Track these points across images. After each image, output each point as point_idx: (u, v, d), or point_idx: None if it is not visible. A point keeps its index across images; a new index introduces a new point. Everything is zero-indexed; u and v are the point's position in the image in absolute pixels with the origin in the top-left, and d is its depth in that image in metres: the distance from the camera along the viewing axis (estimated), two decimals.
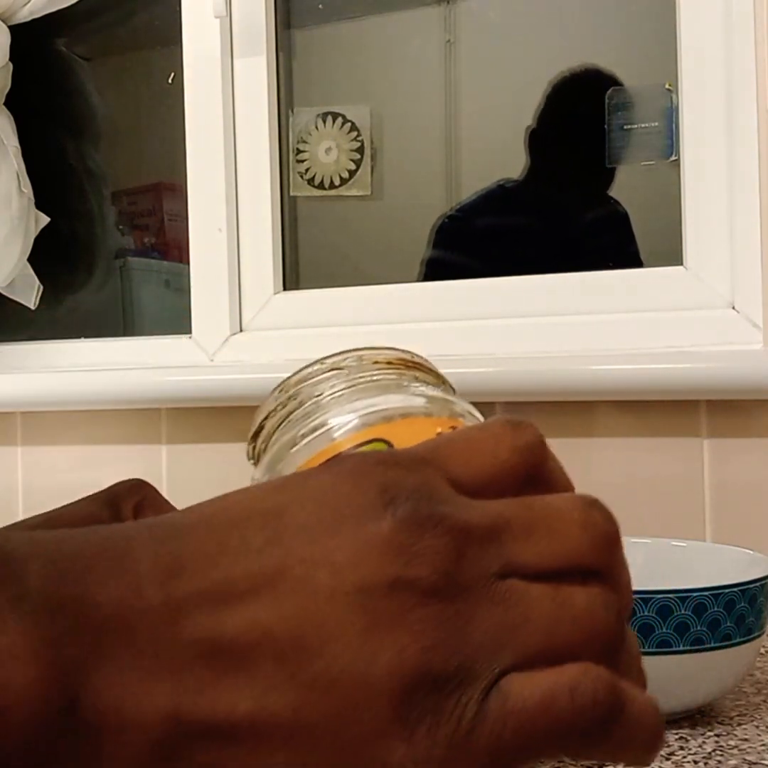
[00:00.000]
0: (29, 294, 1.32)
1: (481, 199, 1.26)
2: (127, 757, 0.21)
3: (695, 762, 0.53)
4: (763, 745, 0.55)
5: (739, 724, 0.59)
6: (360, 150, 1.32)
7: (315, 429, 0.34)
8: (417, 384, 0.35)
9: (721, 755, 0.54)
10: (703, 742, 0.56)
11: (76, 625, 0.21)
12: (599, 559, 0.25)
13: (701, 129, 1.02)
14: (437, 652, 0.22)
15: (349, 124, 1.32)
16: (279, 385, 0.36)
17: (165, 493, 0.44)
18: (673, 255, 1.04)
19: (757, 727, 0.58)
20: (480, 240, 1.26)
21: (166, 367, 1.19)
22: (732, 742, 0.56)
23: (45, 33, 1.37)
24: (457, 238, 1.27)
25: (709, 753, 0.54)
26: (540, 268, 1.10)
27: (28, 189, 1.27)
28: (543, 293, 1.08)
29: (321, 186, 1.32)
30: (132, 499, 0.39)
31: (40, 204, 1.31)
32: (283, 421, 0.35)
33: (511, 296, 1.09)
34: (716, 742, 0.56)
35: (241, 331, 1.21)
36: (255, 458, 0.37)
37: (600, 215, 1.22)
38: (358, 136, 1.32)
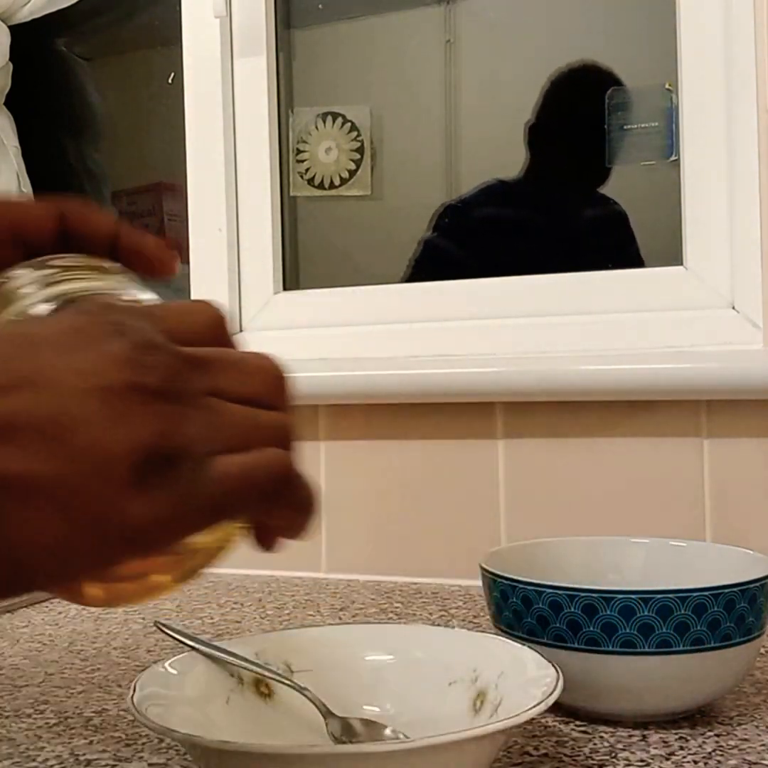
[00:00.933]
0: None
1: (480, 193, 1.27)
2: None
3: (695, 762, 0.53)
4: (763, 745, 0.55)
5: (739, 724, 0.59)
6: (360, 150, 1.32)
7: (19, 315, 0.37)
8: (95, 275, 0.41)
9: (721, 755, 0.54)
10: (703, 742, 0.56)
11: None
12: (274, 395, 0.35)
13: (701, 129, 1.02)
14: (164, 437, 0.30)
15: (349, 124, 1.32)
16: None
17: None
18: (673, 255, 1.04)
19: (757, 727, 0.58)
20: (478, 230, 1.26)
21: None
22: (732, 742, 0.56)
23: (45, 33, 1.37)
24: (456, 225, 1.27)
25: (709, 753, 0.54)
26: (537, 263, 1.10)
27: (28, 189, 1.27)
28: (543, 293, 1.08)
29: (321, 186, 1.32)
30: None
31: None
32: None
33: (511, 296, 1.09)
34: (716, 742, 0.56)
35: (240, 331, 1.21)
36: None
37: (598, 214, 1.22)
38: (358, 136, 1.32)
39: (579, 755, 0.54)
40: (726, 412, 0.95)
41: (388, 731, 0.53)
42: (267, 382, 0.35)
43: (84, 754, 0.57)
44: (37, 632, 0.86)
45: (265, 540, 0.37)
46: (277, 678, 0.56)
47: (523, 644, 0.56)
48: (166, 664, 0.54)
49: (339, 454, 1.09)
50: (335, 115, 1.32)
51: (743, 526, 0.94)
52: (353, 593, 0.99)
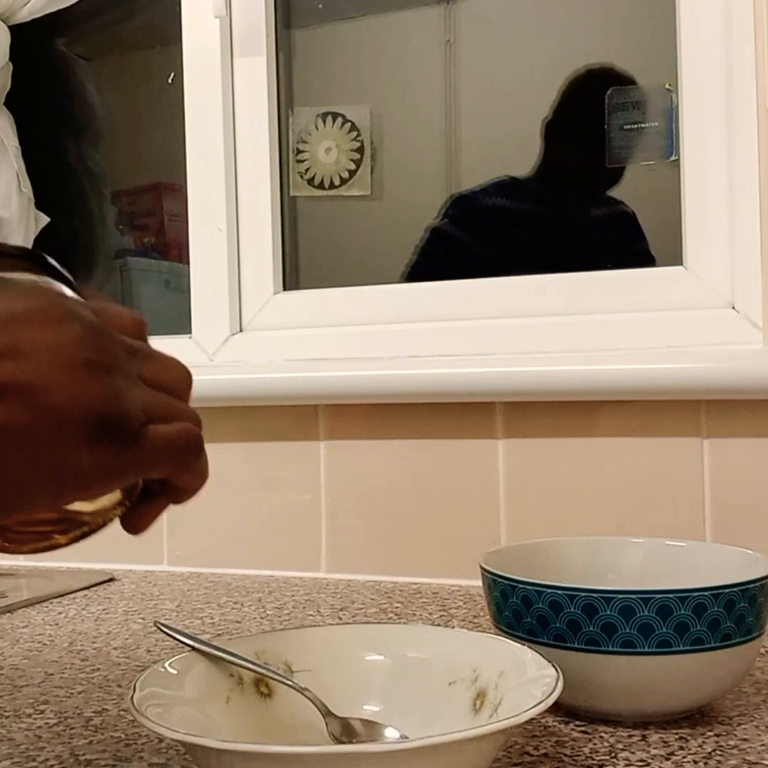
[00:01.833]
0: None
1: (491, 187, 1.26)
2: None
3: (695, 762, 0.53)
4: (763, 745, 0.55)
5: (739, 724, 0.59)
6: (360, 150, 1.32)
7: None
8: None
9: (721, 755, 0.54)
10: (703, 742, 0.56)
11: None
12: (183, 389, 0.44)
13: (701, 129, 1.02)
14: (110, 404, 0.38)
15: (349, 124, 1.32)
16: None
17: None
18: (673, 255, 1.04)
19: (757, 727, 0.58)
20: (486, 220, 1.26)
21: None
22: (732, 742, 0.56)
23: (45, 33, 1.37)
24: (465, 215, 1.27)
25: (709, 753, 0.54)
26: (545, 259, 1.09)
27: (28, 189, 1.27)
28: (543, 293, 1.08)
29: (321, 186, 1.32)
30: None
31: (40, 204, 1.31)
32: None
33: (511, 296, 1.09)
34: (716, 742, 0.56)
35: (241, 331, 1.21)
36: None
37: (608, 213, 1.22)
38: (358, 136, 1.32)
39: (579, 755, 0.54)
40: (726, 412, 0.95)
41: (388, 731, 0.53)
42: (180, 379, 0.44)
43: (84, 754, 0.57)
44: (37, 632, 0.86)
45: (136, 522, 0.45)
46: (277, 678, 0.56)
47: (523, 644, 0.56)
48: (166, 664, 0.54)
49: (339, 454, 1.09)
50: (335, 115, 1.32)
51: (743, 526, 0.94)
52: (353, 593, 0.99)
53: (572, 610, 0.57)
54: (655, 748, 0.55)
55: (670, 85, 1.10)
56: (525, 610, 0.59)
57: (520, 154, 1.25)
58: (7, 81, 1.28)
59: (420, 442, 1.06)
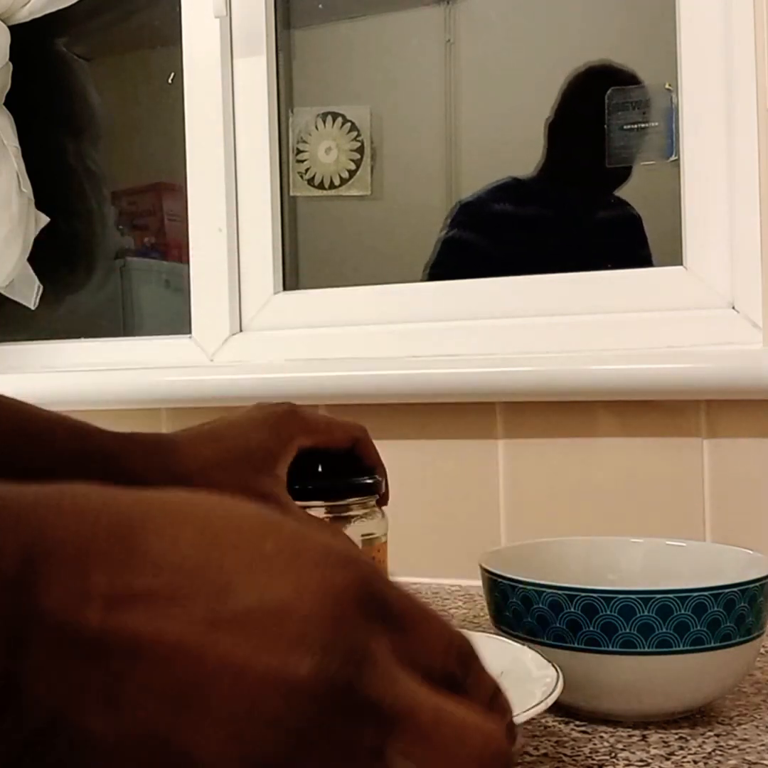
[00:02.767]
0: (29, 294, 1.32)
1: (495, 190, 1.26)
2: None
3: (695, 762, 0.53)
4: (763, 745, 0.55)
5: (739, 724, 0.59)
6: (360, 150, 1.32)
7: None
8: None
9: (721, 755, 0.54)
10: (703, 742, 0.56)
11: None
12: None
13: (701, 129, 1.02)
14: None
15: (349, 124, 1.32)
16: None
17: None
18: (673, 255, 1.04)
19: (757, 727, 0.58)
20: (493, 225, 1.25)
21: (166, 367, 1.19)
22: (732, 742, 0.56)
23: (45, 33, 1.37)
24: (473, 221, 1.26)
25: (709, 753, 0.54)
26: (551, 260, 1.09)
27: (28, 189, 1.27)
28: (543, 293, 1.08)
29: (321, 186, 1.32)
30: (292, 427, 0.57)
31: (40, 204, 1.31)
32: None
33: (512, 296, 1.09)
34: (716, 742, 0.56)
35: (240, 331, 1.21)
36: None
37: (612, 215, 1.22)
38: (357, 136, 1.32)
39: (579, 755, 0.54)
40: (726, 412, 0.95)
41: None
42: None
43: None
44: None
45: None
46: None
47: (523, 644, 0.56)
48: None
49: None
50: (335, 115, 1.32)
51: (743, 526, 0.94)
52: None
53: (572, 610, 0.57)
54: (655, 748, 0.55)
55: (670, 85, 1.10)
56: (525, 610, 0.59)
57: (520, 154, 1.25)
58: (7, 81, 1.28)
59: (420, 442, 1.06)
